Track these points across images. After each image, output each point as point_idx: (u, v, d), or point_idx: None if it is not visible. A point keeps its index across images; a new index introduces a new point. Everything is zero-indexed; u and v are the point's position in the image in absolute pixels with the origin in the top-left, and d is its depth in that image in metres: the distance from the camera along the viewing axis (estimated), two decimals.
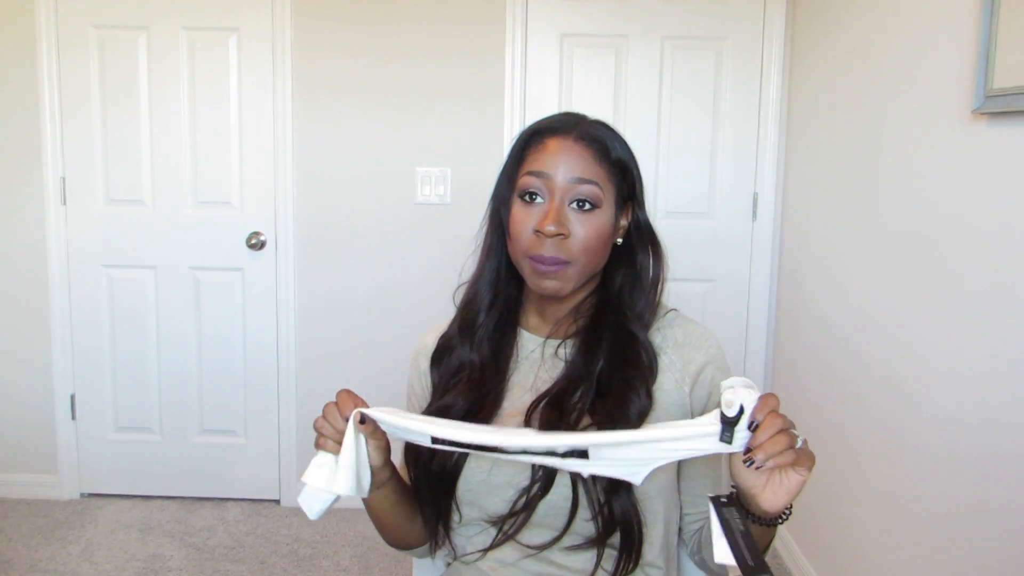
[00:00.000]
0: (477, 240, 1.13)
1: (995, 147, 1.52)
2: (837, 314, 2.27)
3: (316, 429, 0.96)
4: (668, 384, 1.04)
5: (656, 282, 1.09)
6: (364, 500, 1.02)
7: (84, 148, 2.82)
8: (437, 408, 1.05)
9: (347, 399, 0.96)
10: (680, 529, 1.12)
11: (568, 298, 1.07)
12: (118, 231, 2.87)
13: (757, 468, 0.80)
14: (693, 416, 1.04)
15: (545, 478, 0.97)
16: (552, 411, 0.99)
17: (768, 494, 0.84)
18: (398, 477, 1.06)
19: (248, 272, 2.89)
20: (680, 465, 1.07)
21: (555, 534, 0.99)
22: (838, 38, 2.34)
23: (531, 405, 1.01)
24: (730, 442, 0.81)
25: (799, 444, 0.81)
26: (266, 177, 2.84)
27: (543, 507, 0.98)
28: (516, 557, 1.03)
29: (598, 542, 0.99)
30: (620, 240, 1.08)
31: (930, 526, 1.72)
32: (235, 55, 2.79)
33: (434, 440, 0.90)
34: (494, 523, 1.02)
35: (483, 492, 1.02)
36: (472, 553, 1.06)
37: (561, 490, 0.97)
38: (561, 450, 0.85)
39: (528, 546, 1.02)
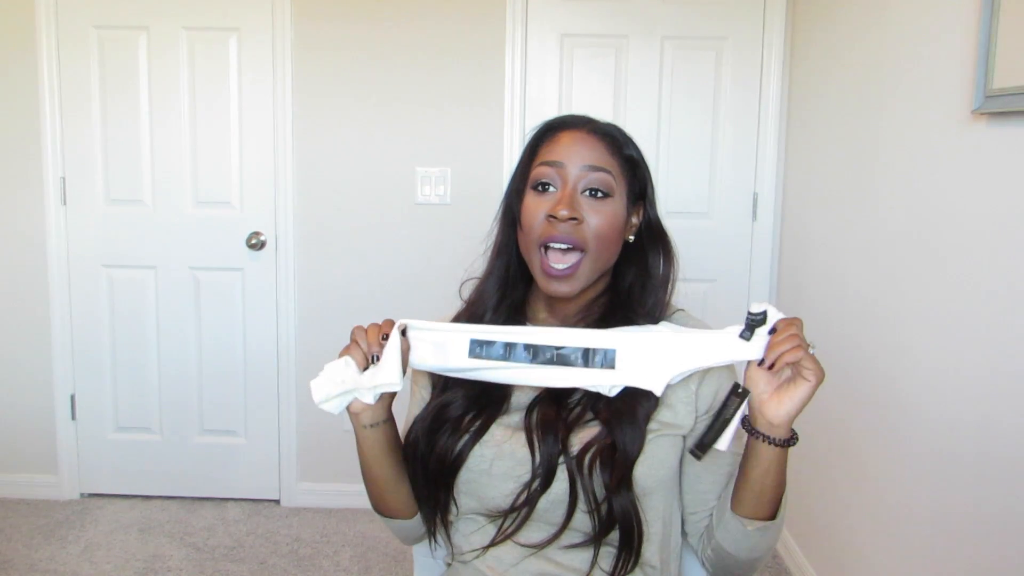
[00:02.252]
0: (488, 239, 1.13)
1: (995, 147, 1.52)
2: (837, 314, 2.27)
3: (352, 337, 0.98)
4: (675, 381, 1.04)
5: (666, 281, 1.10)
6: (359, 441, 1.03)
7: (84, 148, 2.82)
8: (438, 404, 1.06)
9: (389, 323, 0.98)
10: (686, 532, 1.11)
11: (578, 297, 1.08)
12: (118, 231, 2.87)
13: (768, 367, 0.87)
14: (697, 414, 1.04)
15: (545, 472, 0.97)
16: (550, 408, 1.00)
17: (774, 402, 0.88)
18: (393, 425, 1.05)
19: (248, 272, 2.89)
20: (683, 464, 1.07)
21: (555, 531, 0.99)
22: (838, 38, 2.34)
23: (531, 402, 1.02)
24: (748, 339, 0.89)
25: (812, 351, 0.87)
26: (266, 177, 2.84)
27: (543, 502, 0.98)
28: (515, 558, 1.03)
29: (595, 540, 0.98)
30: (631, 238, 1.09)
31: (929, 526, 1.72)
32: (235, 55, 2.79)
33: (472, 351, 0.96)
34: (492, 518, 1.02)
35: (483, 482, 1.02)
36: (471, 551, 1.06)
37: (561, 484, 0.97)
38: (594, 346, 0.94)
39: (527, 545, 1.01)
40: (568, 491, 0.97)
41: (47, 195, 2.82)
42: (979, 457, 1.55)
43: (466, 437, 1.02)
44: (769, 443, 0.91)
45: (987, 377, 1.53)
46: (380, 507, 1.11)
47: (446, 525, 1.09)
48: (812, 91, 2.56)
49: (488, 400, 1.05)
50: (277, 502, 2.97)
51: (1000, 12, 1.46)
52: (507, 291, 1.10)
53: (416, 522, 1.12)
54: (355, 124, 2.82)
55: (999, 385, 1.49)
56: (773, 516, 0.98)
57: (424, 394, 1.13)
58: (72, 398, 2.95)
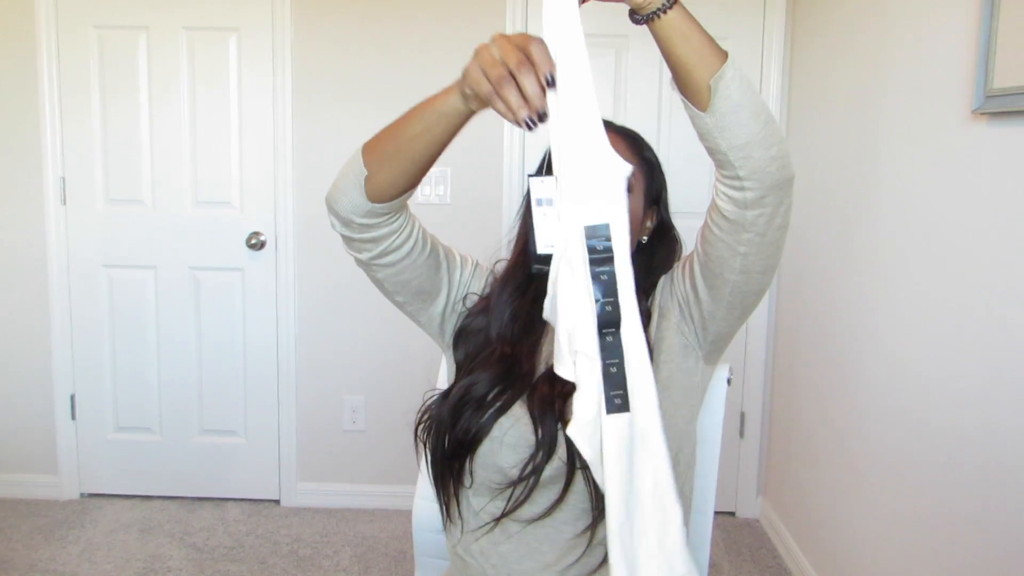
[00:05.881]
0: (512, 231, 1.20)
1: (995, 147, 1.52)
2: (837, 314, 2.27)
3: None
4: (669, 328, 1.08)
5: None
6: (439, 115, 0.95)
7: (84, 148, 2.83)
8: (464, 385, 1.09)
9: (543, 55, 0.85)
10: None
11: None
12: (118, 231, 2.87)
13: None
14: (695, 332, 1.07)
15: (548, 445, 1.02)
16: (546, 385, 1.05)
17: None
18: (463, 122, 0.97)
19: (248, 272, 2.89)
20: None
21: (555, 500, 1.04)
22: (838, 38, 2.34)
23: (538, 378, 1.07)
24: None
25: None
26: (266, 177, 2.84)
27: (548, 471, 1.03)
28: (515, 530, 1.07)
29: (593, 507, 1.03)
30: (645, 239, 1.14)
31: (929, 527, 1.72)
32: (235, 55, 2.79)
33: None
34: (502, 490, 1.05)
35: (496, 450, 1.05)
36: (482, 527, 1.09)
37: (562, 455, 1.02)
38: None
39: (528, 520, 1.06)
40: (567, 460, 1.01)
41: (47, 195, 2.82)
42: (979, 458, 1.55)
43: (490, 412, 1.06)
44: (657, 16, 0.86)
45: (987, 377, 1.53)
46: (376, 164, 1.00)
47: (458, 496, 1.11)
48: (812, 91, 2.56)
49: (514, 378, 1.08)
50: (277, 502, 2.97)
51: (1000, 12, 1.46)
52: (531, 277, 1.13)
53: (370, 207, 1.02)
54: (355, 124, 2.82)
55: (999, 386, 1.49)
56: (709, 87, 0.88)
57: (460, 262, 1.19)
58: (72, 398, 2.95)
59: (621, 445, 0.83)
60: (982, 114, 1.53)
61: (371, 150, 1.00)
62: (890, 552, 1.90)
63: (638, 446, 0.84)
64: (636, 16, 0.88)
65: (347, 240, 1.06)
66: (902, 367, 1.86)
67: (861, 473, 2.06)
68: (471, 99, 0.88)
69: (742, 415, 2.89)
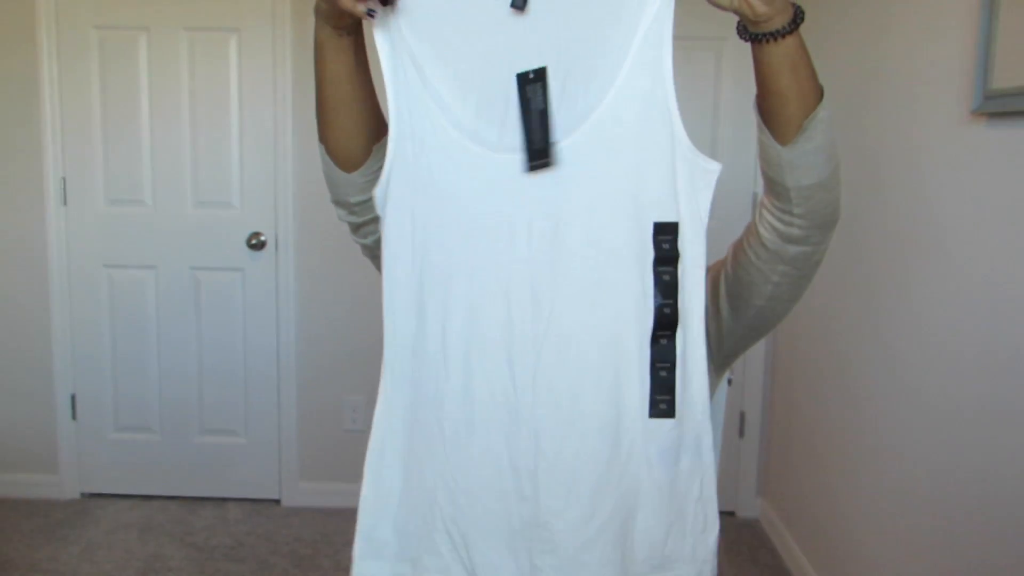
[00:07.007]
0: None
1: (994, 147, 1.52)
2: (836, 313, 2.27)
3: None
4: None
5: None
6: (326, 52, 0.94)
7: (85, 148, 2.83)
8: None
9: None
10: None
11: None
12: (118, 231, 2.88)
13: None
14: (724, 333, 1.03)
15: None
16: None
17: None
18: (363, 42, 0.97)
19: (248, 272, 2.89)
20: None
21: None
22: (837, 38, 2.34)
23: None
24: None
25: None
26: (266, 177, 2.84)
27: None
28: None
29: None
30: None
31: (928, 526, 1.72)
32: (235, 55, 2.80)
33: None
34: None
35: None
36: None
37: None
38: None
39: None
40: None
41: (47, 195, 2.83)
42: (980, 458, 1.55)
43: None
44: (774, 38, 0.80)
45: (985, 376, 1.53)
46: (333, 140, 1.01)
47: None
48: None
49: None
50: (277, 502, 2.98)
51: (999, 12, 1.46)
52: None
53: (352, 179, 1.03)
54: None
55: (997, 385, 1.49)
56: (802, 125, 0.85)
57: None
58: (73, 398, 2.95)
59: (664, 446, 0.82)
60: (981, 114, 1.54)
61: (325, 130, 1.01)
62: (889, 551, 1.90)
63: (689, 453, 0.83)
64: (748, 32, 0.82)
65: (353, 227, 1.06)
66: (901, 367, 1.86)
67: (861, 472, 2.07)
68: (330, 16, 0.89)
69: (742, 415, 2.90)
